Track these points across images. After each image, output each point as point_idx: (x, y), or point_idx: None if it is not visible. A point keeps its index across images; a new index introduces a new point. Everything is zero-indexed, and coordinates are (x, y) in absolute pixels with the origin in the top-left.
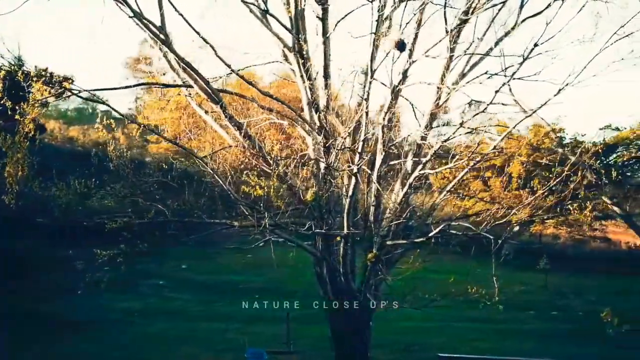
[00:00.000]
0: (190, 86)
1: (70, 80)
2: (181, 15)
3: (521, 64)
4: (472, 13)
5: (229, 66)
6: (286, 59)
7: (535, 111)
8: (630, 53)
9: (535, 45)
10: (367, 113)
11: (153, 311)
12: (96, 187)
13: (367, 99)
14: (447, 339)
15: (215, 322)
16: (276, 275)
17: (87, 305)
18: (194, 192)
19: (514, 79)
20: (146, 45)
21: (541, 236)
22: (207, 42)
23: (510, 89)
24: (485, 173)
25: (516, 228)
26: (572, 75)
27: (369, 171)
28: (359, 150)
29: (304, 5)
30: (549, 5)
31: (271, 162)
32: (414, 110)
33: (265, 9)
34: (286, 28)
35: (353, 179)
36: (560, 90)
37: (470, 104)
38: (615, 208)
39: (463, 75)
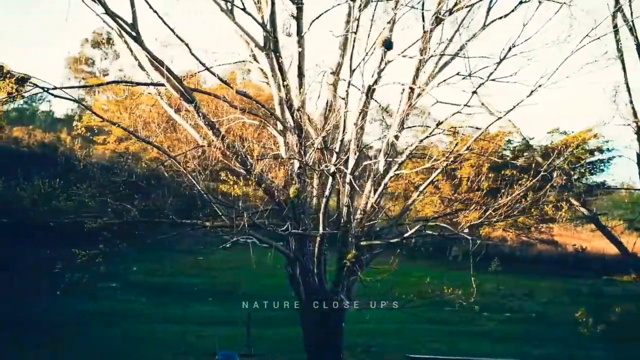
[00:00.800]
0: (162, 85)
1: (28, 77)
2: (156, 12)
3: (498, 64)
4: (451, 13)
5: (204, 65)
6: (255, 58)
7: (508, 112)
8: (604, 54)
9: (512, 46)
10: (346, 113)
11: (109, 314)
12: (60, 188)
13: (345, 98)
14: (405, 341)
15: (173, 324)
16: (230, 277)
17: (42, 307)
18: (163, 193)
19: (490, 80)
20: (87, 46)
21: (489, 238)
22: (182, 40)
23: (475, 92)
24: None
25: (466, 230)
26: (545, 77)
27: (346, 170)
28: (337, 150)
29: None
30: (514, 9)
31: (247, 162)
32: (383, 111)
33: (243, 7)
34: (263, 27)
35: (330, 179)
36: (532, 92)
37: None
38: (583, 209)
39: (432, 76)
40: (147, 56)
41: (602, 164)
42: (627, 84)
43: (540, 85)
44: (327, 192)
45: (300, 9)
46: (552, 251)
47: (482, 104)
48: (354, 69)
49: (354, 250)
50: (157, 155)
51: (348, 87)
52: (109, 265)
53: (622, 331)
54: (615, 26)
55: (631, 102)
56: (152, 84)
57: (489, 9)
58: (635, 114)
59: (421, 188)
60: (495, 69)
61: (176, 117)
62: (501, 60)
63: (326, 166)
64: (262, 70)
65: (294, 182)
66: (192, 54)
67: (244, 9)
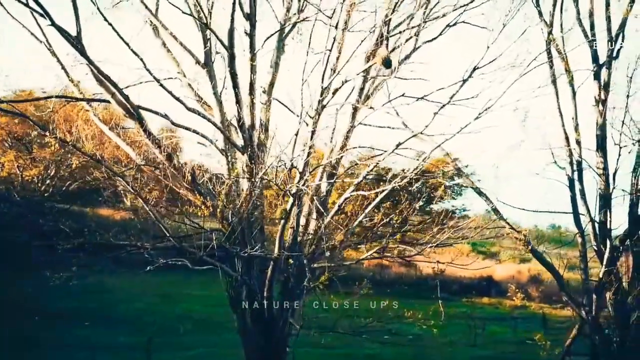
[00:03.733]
0: (107, 101)
1: None
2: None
3: (461, 86)
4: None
5: (157, 80)
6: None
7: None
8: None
9: (475, 68)
10: (313, 132)
11: None
12: None
13: (317, 116)
14: None
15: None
16: (106, 302)
17: None
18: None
19: (451, 104)
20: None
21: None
22: (136, 55)
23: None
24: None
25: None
26: (492, 99)
27: (310, 192)
28: (301, 170)
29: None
30: (442, 32)
31: (197, 184)
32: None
33: (206, 22)
34: (223, 44)
35: (290, 200)
36: (480, 114)
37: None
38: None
39: (367, 97)
40: (91, 70)
41: (459, 190)
42: (559, 109)
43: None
44: (285, 214)
45: (253, 26)
46: (412, 274)
47: (404, 124)
48: (331, 89)
49: (309, 274)
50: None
51: (320, 107)
52: None
53: None
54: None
55: (563, 126)
56: (94, 99)
57: (417, 32)
58: (567, 139)
59: (332, 212)
60: (458, 91)
61: (111, 134)
62: (464, 81)
63: (287, 186)
64: (190, 86)
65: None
66: (147, 69)
67: (206, 25)
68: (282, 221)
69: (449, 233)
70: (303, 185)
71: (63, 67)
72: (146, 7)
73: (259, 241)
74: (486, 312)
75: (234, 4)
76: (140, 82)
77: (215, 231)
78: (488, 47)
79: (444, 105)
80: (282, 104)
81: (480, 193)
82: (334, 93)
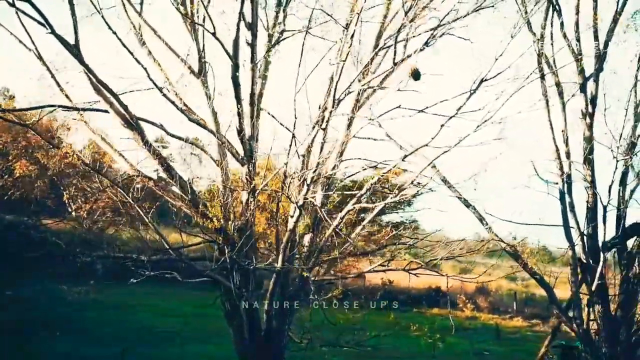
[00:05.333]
0: (105, 111)
1: None
2: (118, 37)
3: (468, 98)
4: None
5: (160, 90)
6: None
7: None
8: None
9: (482, 80)
10: (323, 143)
11: None
12: None
13: (325, 128)
14: None
15: None
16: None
17: None
18: None
19: (456, 116)
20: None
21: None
22: (140, 64)
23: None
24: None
25: None
26: (490, 112)
27: (317, 204)
28: (308, 182)
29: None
30: (426, 44)
31: (195, 194)
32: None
33: (213, 32)
34: (228, 54)
35: (297, 212)
36: (479, 127)
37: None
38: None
39: (359, 107)
40: (90, 79)
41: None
42: (550, 122)
43: (485, 121)
44: (291, 226)
45: (255, 36)
46: (360, 284)
47: (388, 135)
48: (337, 99)
49: (312, 287)
50: None
51: (330, 116)
52: None
53: None
54: (541, 70)
55: (553, 138)
56: (92, 109)
57: (405, 45)
58: (557, 152)
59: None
60: (465, 103)
61: (104, 145)
62: (471, 93)
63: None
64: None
65: (245, 213)
66: (151, 80)
67: (212, 34)
68: (287, 233)
69: (442, 250)
70: (309, 197)
71: (53, 76)
72: (136, 11)
73: (252, 253)
74: (440, 323)
75: (240, 13)
76: (133, 90)
77: (211, 243)
78: (496, 59)
79: (451, 117)
80: (274, 116)
81: (467, 205)
82: (337, 103)
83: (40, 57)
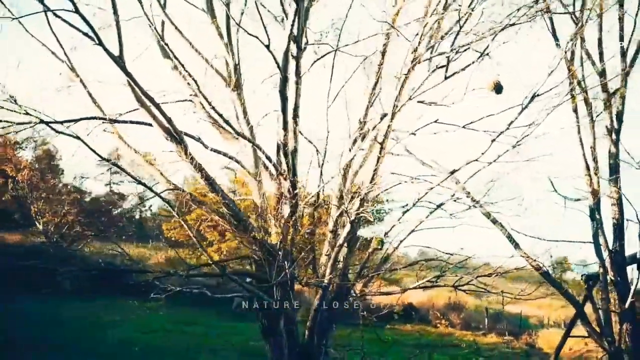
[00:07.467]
0: (149, 124)
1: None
2: (170, 50)
3: (520, 113)
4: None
5: (212, 107)
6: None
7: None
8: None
9: (535, 95)
10: (379, 157)
11: None
12: None
13: (382, 144)
14: None
15: None
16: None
17: None
18: None
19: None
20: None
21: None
22: (191, 76)
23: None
24: None
25: None
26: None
27: (370, 217)
28: (362, 196)
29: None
30: (468, 65)
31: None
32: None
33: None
34: (278, 67)
35: (348, 226)
36: (519, 142)
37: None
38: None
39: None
40: (133, 90)
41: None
42: (580, 139)
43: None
44: (340, 241)
45: (300, 49)
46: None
47: (408, 150)
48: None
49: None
50: None
51: (388, 131)
52: None
53: None
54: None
55: (583, 155)
56: (135, 122)
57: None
58: (587, 168)
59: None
60: (517, 118)
61: (138, 158)
62: (522, 109)
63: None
64: (210, 109)
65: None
66: (200, 91)
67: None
68: (337, 248)
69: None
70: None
71: (86, 88)
72: (170, 21)
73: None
74: (415, 339)
75: (292, 24)
76: (167, 102)
77: (245, 259)
78: (549, 74)
79: (501, 133)
80: (304, 137)
81: (494, 221)
82: (392, 117)
83: (72, 69)
